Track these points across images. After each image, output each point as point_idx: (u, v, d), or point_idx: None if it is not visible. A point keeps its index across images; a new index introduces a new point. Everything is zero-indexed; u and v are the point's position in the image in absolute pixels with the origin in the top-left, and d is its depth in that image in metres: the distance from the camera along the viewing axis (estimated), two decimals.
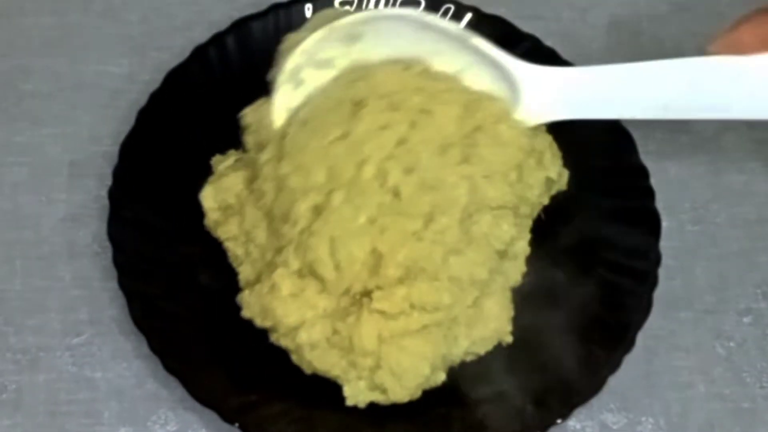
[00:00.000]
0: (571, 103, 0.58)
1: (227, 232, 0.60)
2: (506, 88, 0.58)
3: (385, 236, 0.55)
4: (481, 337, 0.58)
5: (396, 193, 0.55)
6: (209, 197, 0.60)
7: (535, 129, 0.60)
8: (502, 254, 0.58)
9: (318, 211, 0.55)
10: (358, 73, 0.58)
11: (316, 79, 0.59)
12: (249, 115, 0.60)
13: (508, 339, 0.59)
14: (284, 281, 0.56)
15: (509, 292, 0.59)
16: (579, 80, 0.58)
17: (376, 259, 0.55)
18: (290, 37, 0.59)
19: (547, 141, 0.61)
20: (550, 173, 0.61)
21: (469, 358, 0.59)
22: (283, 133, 0.58)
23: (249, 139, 0.60)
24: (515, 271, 0.60)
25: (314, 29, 0.58)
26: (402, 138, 0.56)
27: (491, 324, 0.58)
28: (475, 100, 0.58)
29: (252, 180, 0.59)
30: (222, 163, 0.62)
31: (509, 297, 0.59)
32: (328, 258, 0.55)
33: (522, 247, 0.60)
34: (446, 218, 0.55)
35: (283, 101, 0.58)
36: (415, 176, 0.55)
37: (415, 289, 0.55)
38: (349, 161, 0.56)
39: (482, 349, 0.58)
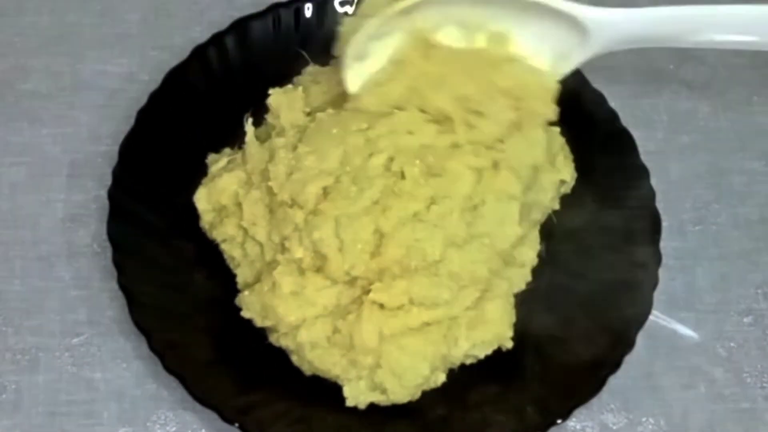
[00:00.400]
0: (637, 37, 0.59)
1: (223, 233, 0.60)
2: (565, 33, 0.59)
3: (387, 216, 0.55)
4: (482, 340, 0.58)
5: (400, 176, 0.56)
6: (203, 199, 0.60)
7: (549, 131, 0.60)
8: (509, 260, 0.58)
9: (326, 193, 0.56)
10: (419, 85, 0.58)
11: (379, 48, 0.59)
12: (275, 97, 0.60)
13: (509, 344, 0.58)
14: (285, 279, 0.56)
15: (512, 297, 0.59)
16: (651, 17, 0.58)
17: (378, 240, 0.55)
18: (348, 21, 0.59)
19: (559, 143, 0.61)
20: (564, 175, 0.61)
21: (468, 361, 0.59)
22: (305, 124, 0.59)
23: (268, 121, 0.61)
24: (520, 278, 0.60)
25: (368, 14, 0.58)
26: (425, 144, 0.57)
27: (492, 328, 0.58)
28: (524, 102, 0.58)
29: (248, 179, 0.59)
30: (216, 163, 0.61)
31: (512, 302, 0.59)
32: (333, 238, 0.55)
33: (530, 256, 0.60)
34: (448, 202, 0.56)
35: (353, 75, 0.59)
36: (421, 163, 0.56)
37: (415, 283, 0.55)
38: (363, 151, 0.57)
39: (482, 353, 0.58)
